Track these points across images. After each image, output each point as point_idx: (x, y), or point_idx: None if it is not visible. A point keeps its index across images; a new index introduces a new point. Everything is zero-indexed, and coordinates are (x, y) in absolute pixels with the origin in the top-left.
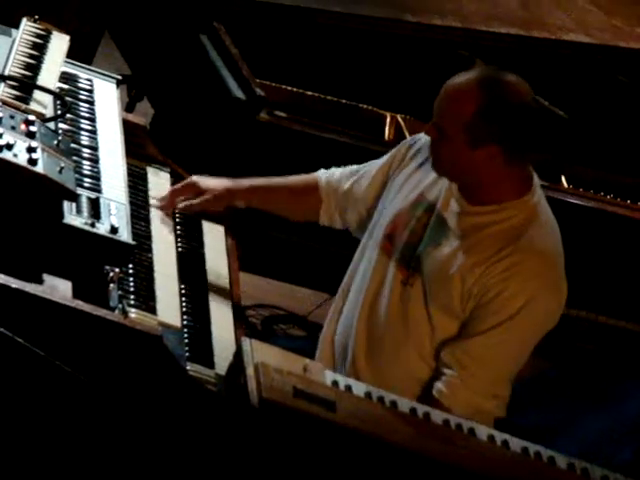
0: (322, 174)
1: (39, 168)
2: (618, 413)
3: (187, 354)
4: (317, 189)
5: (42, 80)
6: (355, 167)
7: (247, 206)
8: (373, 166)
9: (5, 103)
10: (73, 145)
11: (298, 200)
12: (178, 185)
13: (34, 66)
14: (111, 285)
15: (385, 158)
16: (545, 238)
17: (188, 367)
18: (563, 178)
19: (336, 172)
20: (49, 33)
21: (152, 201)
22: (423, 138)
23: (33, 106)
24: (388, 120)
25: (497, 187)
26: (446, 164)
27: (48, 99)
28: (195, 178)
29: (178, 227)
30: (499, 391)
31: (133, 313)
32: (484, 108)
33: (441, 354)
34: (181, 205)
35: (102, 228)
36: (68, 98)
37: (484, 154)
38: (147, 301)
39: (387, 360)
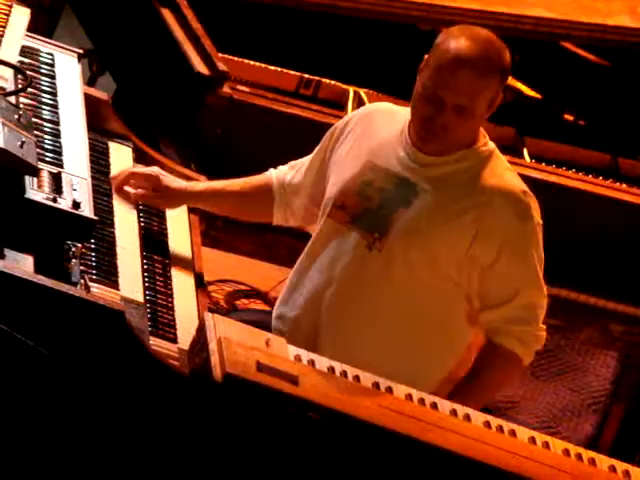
0: (273, 173)
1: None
2: (579, 388)
3: (150, 329)
4: (270, 189)
5: (3, 54)
6: (299, 160)
7: (202, 208)
8: (311, 154)
9: None
10: (34, 119)
11: (252, 202)
12: (140, 170)
13: None
14: (73, 260)
15: (320, 144)
16: (510, 174)
17: (151, 342)
18: (526, 152)
19: (283, 168)
20: (10, 6)
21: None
22: (356, 114)
23: None
24: (351, 95)
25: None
26: (461, 137)
27: (9, 73)
28: (157, 171)
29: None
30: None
31: (95, 288)
32: (505, 70)
33: (488, 321)
34: (135, 193)
35: (64, 203)
36: (29, 72)
37: (495, 105)
38: (109, 276)
39: (355, 328)
